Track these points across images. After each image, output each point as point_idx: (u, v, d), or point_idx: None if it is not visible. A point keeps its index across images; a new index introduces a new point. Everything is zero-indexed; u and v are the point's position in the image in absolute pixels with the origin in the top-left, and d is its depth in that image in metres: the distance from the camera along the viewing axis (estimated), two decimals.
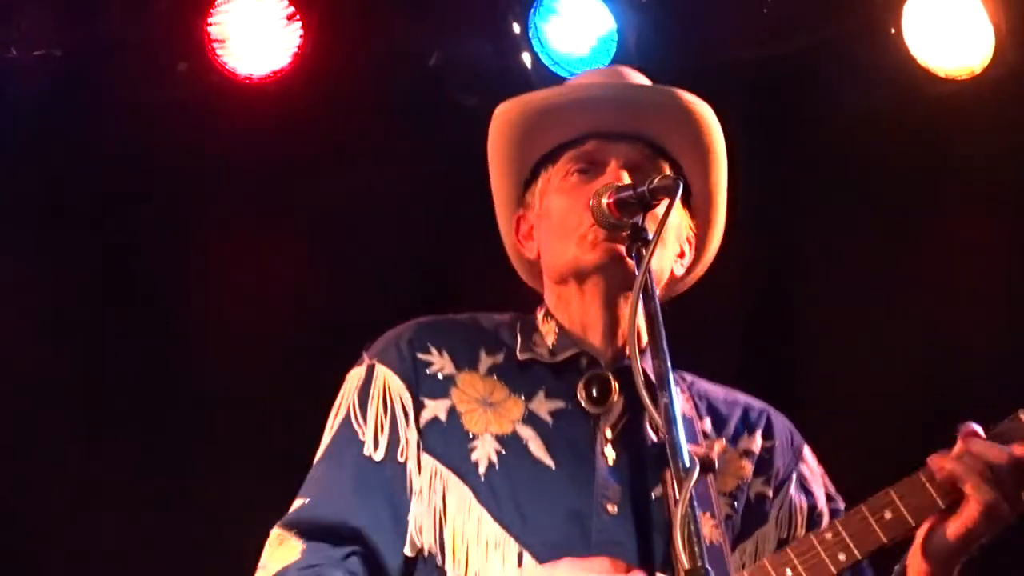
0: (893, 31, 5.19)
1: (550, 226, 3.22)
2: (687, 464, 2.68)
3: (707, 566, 2.60)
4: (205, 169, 5.38)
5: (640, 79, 3.37)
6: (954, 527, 2.96)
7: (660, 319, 2.88)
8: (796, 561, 2.96)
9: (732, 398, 3.30)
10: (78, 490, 5.38)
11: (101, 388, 5.43)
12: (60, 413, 5.36)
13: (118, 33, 5.18)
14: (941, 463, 2.96)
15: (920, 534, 3.00)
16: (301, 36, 5.14)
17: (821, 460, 3.33)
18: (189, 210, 5.47)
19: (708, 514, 2.99)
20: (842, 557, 2.96)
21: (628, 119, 3.23)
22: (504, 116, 3.32)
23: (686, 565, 2.60)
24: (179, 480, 5.38)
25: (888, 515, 2.97)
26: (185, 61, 5.19)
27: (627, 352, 3.15)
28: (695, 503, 2.66)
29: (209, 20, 5.12)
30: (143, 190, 5.44)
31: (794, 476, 3.23)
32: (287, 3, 5.15)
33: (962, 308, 5.28)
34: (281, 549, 3.04)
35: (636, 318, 2.87)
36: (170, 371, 5.42)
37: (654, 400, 2.78)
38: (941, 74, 5.18)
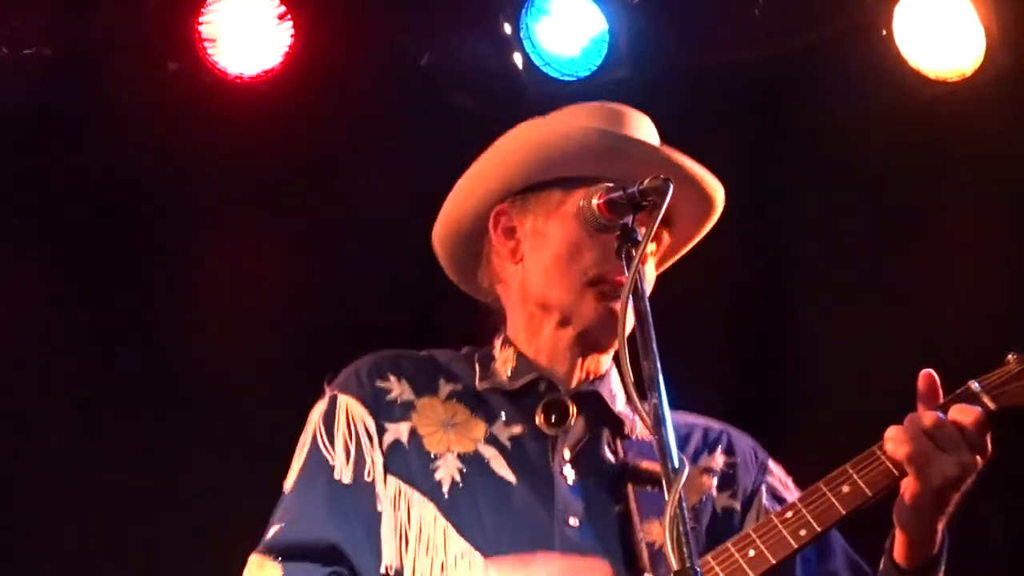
0: (884, 33, 5.19)
1: (551, 252, 3.23)
2: (676, 465, 2.69)
3: (696, 567, 2.61)
4: (196, 168, 5.36)
5: (649, 129, 3.34)
6: (908, 492, 3.01)
7: (650, 319, 2.89)
8: (759, 541, 3.01)
9: (691, 421, 3.35)
10: (73, 491, 5.36)
11: (95, 390, 5.40)
12: (54, 414, 5.34)
13: (108, 32, 5.17)
14: (887, 435, 3.03)
15: (896, 503, 3.04)
16: (292, 35, 5.13)
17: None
18: (180, 209, 5.45)
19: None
20: (803, 533, 3.01)
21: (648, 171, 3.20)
22: (530, 133, 3.30)
23: (675, 566, 2.60)
24: (175, 481, 5.36)
25: (845, 488, 3.03)
26: (175, 60, 5.18)
27: (588, 378, 3.23)
28: (684, 504, 2.67)
29: (200, 19, 5.11)
30: (133, 189, 5.42)
31: (763, 488, 3.28)
32: (278, 2, 5.14)
33: (955, 307, 5.28)
34: (261, 573, 3.09)
35: (626, 317, 2.88)
36: (162, 372, 5.40)
37: (642, 401, 2.79)
38: (932, 76, 5.19)
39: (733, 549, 3.01)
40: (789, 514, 3.03)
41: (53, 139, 5.29)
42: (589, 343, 3.22)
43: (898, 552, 3.07)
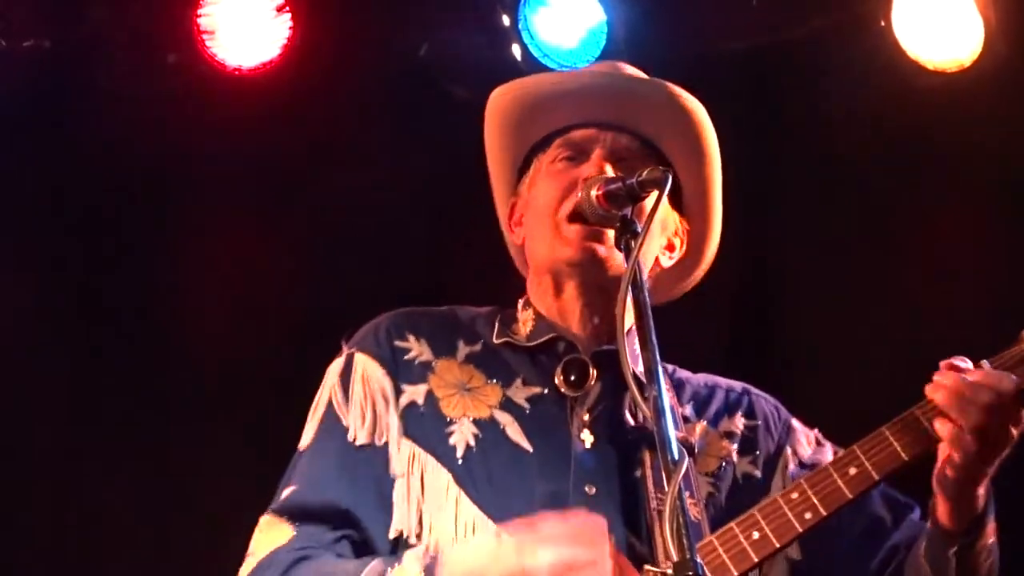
0: (883, 23, 5.19)
1: (533, 213, 3.25)
2: (676, 457, 2.69)
3: (696, 559, 2.61)
4: (193, 160, 5.36)
5: (637, 73, 3.38)
6: (951, 462, 2.97)
7: (649, 310, 2.89)
8: (763, 523, 2.98)
9: (712, 383, 3.33)
10: (62, 490, 5.36)
11: (87, 385, 5.40)
12: (46, 411, 5.33)
13: (107, 24, 5.17)
14: (934, 392, 2.99)
15: (935, 470, 3.01)
16: (290, 28, 5.14)
17: None
18: (178, 200, 5.45)
19: (688, 494, 3.01)
20: (808, 516, 2.99)
21: (620, 110, 3.25)
22: (498, 103, 3.35)
23: (675, 557, 2.60)
24: (168, 480, 5.36)
25: (852, 471, 3.01)
26: (174, 52, 5.18)
27: (608, 339, 3.18)
28: (684, 496, 2.67)
29: (198, 11, 5.12)
30: (131, 181, 5.42)
31: (787, 450, 3.25)
32: None
33: (947, 295, 5.27)
34: (271, 534, 3.07)
35: (624, 309, 2.88)
36: (158, 367, 5.40)
37: (642, 392, 2.79)
38: (930, 67, 5.19)
39: (737, 530, 2.98)
40: (795, 495, 3.00)
41: (51, 131, 5.29)
42: (588, 282, 3.17)
43: (943, 516, 3.03)
